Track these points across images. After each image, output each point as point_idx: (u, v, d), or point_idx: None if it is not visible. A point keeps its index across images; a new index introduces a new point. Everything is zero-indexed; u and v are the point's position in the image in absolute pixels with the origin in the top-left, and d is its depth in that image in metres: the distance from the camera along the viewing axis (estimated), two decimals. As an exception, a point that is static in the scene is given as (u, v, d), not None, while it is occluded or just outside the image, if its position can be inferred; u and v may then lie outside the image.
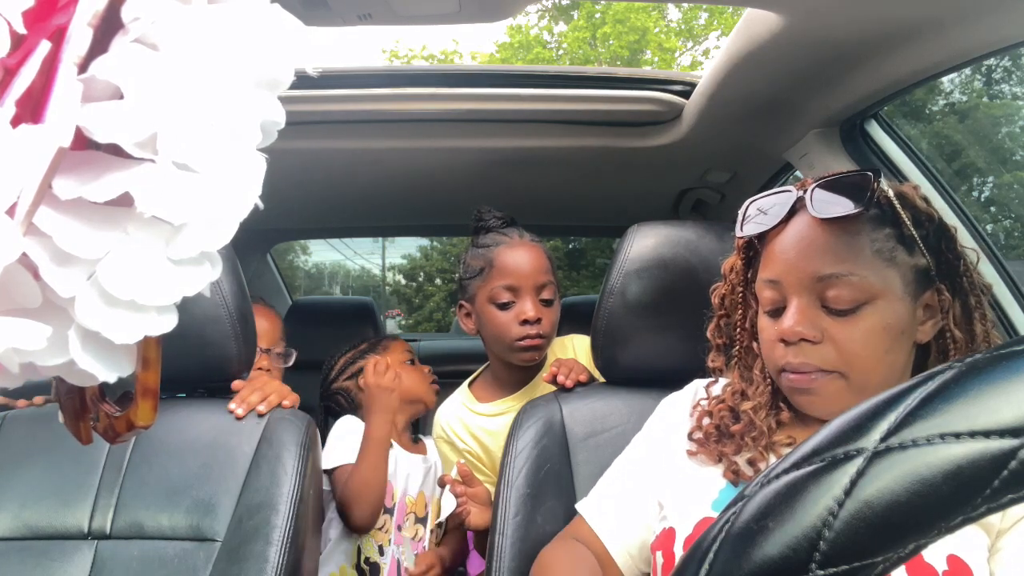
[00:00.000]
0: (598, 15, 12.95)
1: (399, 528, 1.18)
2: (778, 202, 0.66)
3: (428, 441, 1.31)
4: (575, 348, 1.19)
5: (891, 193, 0.62)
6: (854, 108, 1.02)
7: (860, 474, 0.20)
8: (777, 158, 1.28)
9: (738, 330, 0.74)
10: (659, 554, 0.68)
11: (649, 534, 0.73)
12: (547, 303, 1.12)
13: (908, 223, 0.62)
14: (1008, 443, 0.19)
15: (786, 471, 0.22)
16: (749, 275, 0.72)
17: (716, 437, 0.70)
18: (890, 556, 0.19)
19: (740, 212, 0.69)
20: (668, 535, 0.68)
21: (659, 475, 0.75)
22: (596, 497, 0.80)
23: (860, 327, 0.60)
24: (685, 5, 10.07)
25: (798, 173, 1.26)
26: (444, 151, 1.36)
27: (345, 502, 1.10)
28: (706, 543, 0.22)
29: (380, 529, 1.16)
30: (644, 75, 1.36)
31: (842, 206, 0.61)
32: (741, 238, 0.71)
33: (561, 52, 13.67)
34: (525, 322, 1.09)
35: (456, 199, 1.73)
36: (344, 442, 1.16)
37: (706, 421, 0.73)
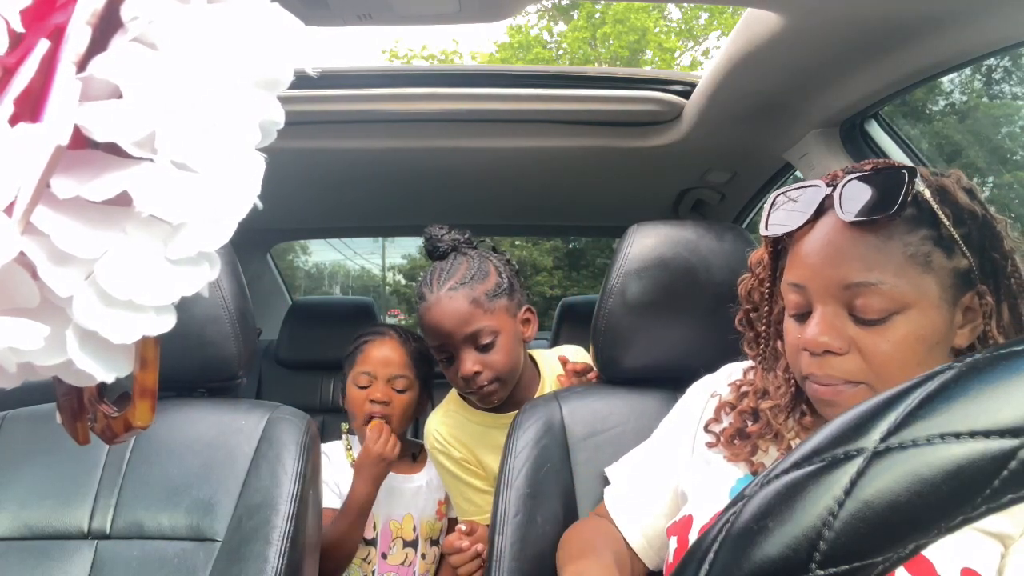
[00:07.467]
0: (598, 15, 12.94)
1: (384, 556, 1.14)
2: (804, 199, 0.60)
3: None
4: (570, 358, 1.14)
5: (928, 193, 0.55)
6: (854, 108, 1.02)
7: (860, 474, 0.20)
8: (777, 158, 1.28)
9: (763, 326, 0.69)
10: (674, 539, 0.67)
11: (667, 522, 0.71)
12: (486, 348, 1.00)
13: (948, 223, 0.55)
14: (1008, 443, 0.19)
15: (786, 471, 0.21)
16: (778, 270, 0.66)
17: (735, 437, 0.68)
18: (890, 556, 0.19)
19: (766, 206, 0.64)
20: (686, 522, 0.66)
21: (682, 462, 0.74)
22: (617, 481, 0.80)
23: (890, 338, 0.55)
24: (685, 5, 10.07)
25: (798, 173, 1.26)
26: (444, 151, 1.36)
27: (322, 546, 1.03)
28: (706, 543, 0.22)
29: (364, 560, 1.13)
30: (644, 75, 1.36)
31: (872, 209, 0.55)
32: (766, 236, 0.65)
33: (561, 52, 13.66)
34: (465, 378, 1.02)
35: (456, 199, 1.73)
36: (327, 486, 1.11)
37: (725, 420, 0.70)
